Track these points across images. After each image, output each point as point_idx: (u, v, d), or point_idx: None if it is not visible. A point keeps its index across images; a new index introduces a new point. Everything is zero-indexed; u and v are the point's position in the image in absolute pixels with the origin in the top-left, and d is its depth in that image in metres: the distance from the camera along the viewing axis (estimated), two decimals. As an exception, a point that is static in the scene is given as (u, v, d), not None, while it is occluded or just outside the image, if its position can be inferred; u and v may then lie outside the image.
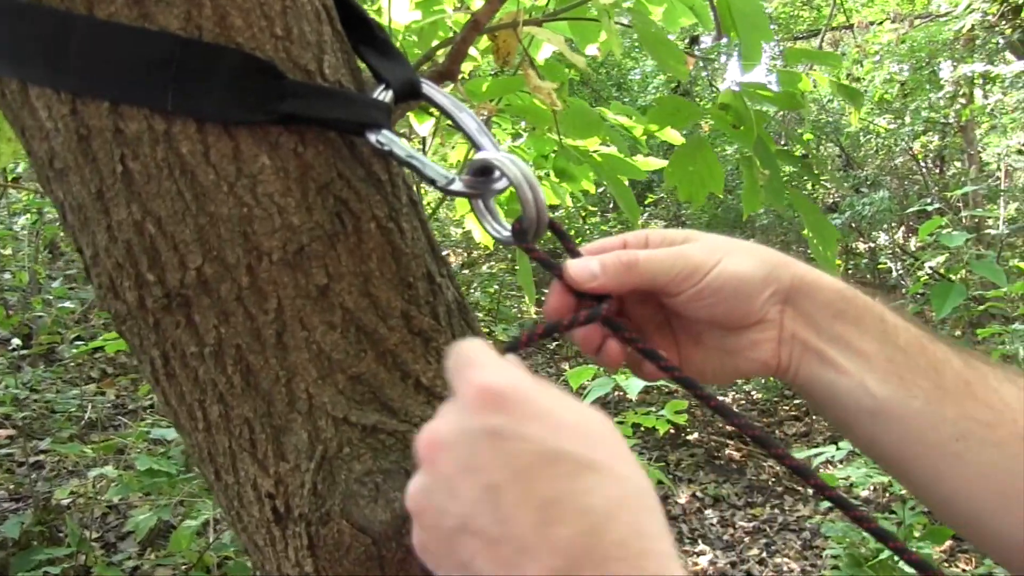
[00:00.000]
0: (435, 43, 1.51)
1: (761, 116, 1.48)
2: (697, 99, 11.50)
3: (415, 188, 0.91)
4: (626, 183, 1.88)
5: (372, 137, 0.79)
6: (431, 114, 2.05)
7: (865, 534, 3.88)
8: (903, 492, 4.15)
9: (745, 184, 1.59)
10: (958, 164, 9.82)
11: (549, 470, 0.49)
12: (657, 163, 2.09)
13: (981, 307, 5.38)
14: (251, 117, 0.75)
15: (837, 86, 1.75)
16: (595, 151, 1.86)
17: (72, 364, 5.62)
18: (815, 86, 1.87)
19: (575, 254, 0.79)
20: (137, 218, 0.76)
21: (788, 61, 1.79)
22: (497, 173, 0.80)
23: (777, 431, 7.97)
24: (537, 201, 0.76)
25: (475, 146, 0.85)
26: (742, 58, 1.70)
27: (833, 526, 4.41)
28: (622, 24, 1.41)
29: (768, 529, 6.18)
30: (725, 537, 6.07)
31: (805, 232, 1.47)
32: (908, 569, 3.26)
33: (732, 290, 0.73)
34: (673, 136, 1.93)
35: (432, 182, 0.79)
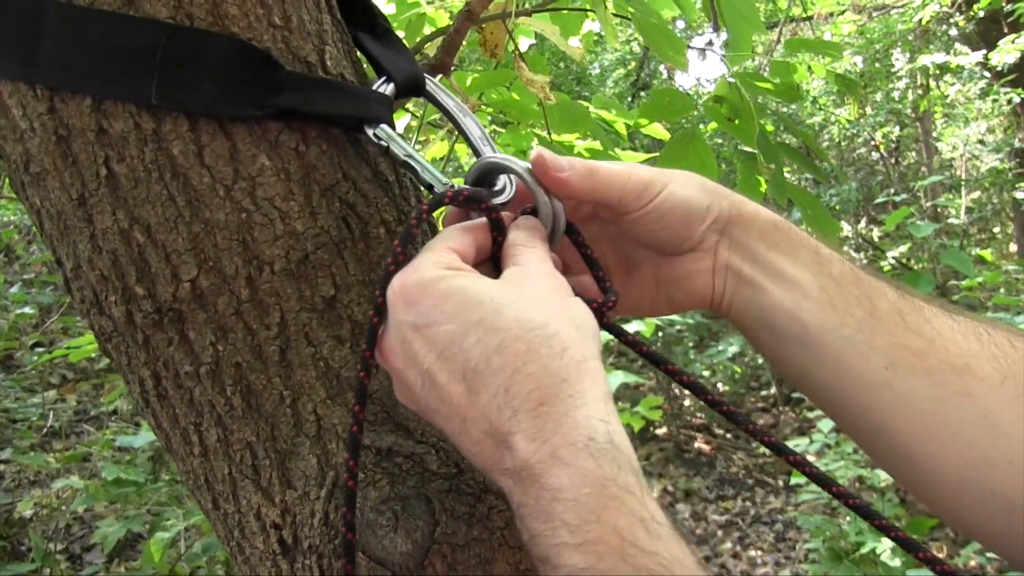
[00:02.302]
0: (427, 32, 1.45)
1: (760, 108, 1.44)
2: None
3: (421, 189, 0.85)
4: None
5: (369, 131, 0.73)
6: (407, 110, 1.98)
7: (844, 527, 3.88)
8: (880, 484, 4.16)
9: (739, 178, 1.55)
10: (912, 154, 9.94)
11: (463, 343, 0.57)
12: (640, 157, 2.05)
13: (955, 296, 5.43)
14: (245, 111, 0.69)
15: (835, 76, 1.72)
16: (579, 145, 1.81)
17: (32, 371, 5.46)
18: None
19: (596, 266, 0.74)
20: (124, 226, 0.70)
21: (787, 50, 1.75)
22: (501, 182, 0.74)
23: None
24: (554, 204, 0.70)
25: (476, 154, 0.80)
26: (730, 49, 1.65)
27: (809, 519, 4.42)
28: (618, 15, 1.35)
29: (740, 522, 6.19)
30: (698, 531, 6.06)
31: (803, 227, 1.44)
32: (891, 563, 3.26)
33: (679, 215, 0.73)
34: (659, 130, 1.89)
35: (429, 187, 0.73)
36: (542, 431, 0.54)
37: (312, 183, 0.72)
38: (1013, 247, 8.68)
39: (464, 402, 0.57)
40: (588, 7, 1.48)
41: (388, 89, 0.77)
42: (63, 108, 0.68)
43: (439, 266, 0.61)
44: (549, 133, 1.57)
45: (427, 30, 1.53)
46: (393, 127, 0.75)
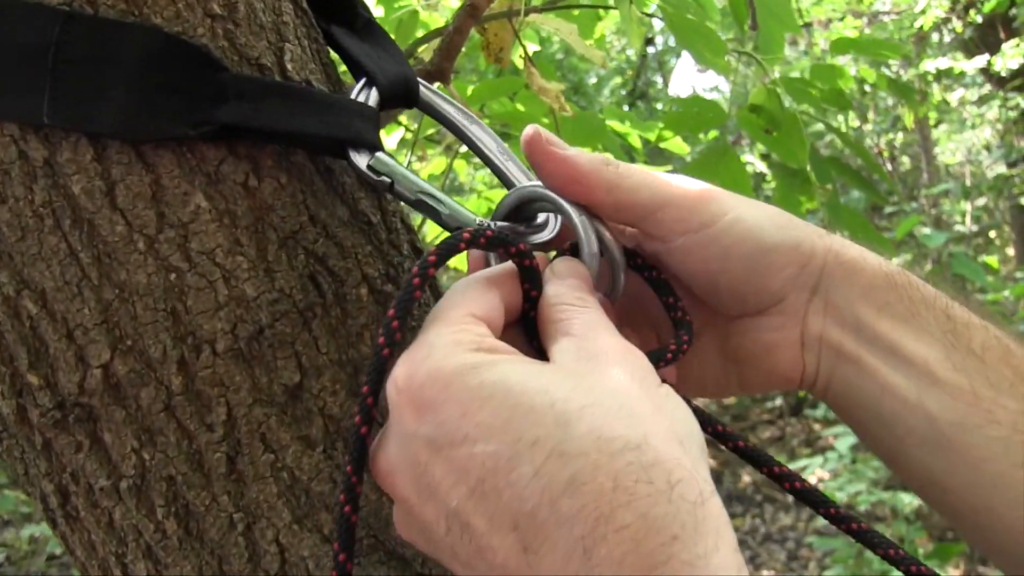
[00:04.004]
0: (421, 35, 1.26)
1: (797, 119, 1.25)
2: (653, 103, 11.38)
3: (414, 227, 0.66)
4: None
5: (361, 161, 0.54)
6: (399, 122, 1.78)
7: (867, 554, 3.70)
8: (905, 509, 3.98)
9: (776, 198, 1.36)
10: (906, 159, 9.82)
11: (512, 474, 0.39)
12: (656, 170, 1.87)
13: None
14: (172, 131, 0.51)
15: (888, 82, 1.54)
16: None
17: None
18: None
19: (675, 309, 0.56)
20: (9, 292, 0.52)
21: (834, 52, 1.56)
22: (543, 217, 0.56)
23: (751, 436, 7.84)
24: (605, 238, 0.52)
25: (499, 176, 0.61)
26: (760, 52, 1.47)
27: (828, 541, 4.24)
28: (644, 14, 1.17)
29: (751, 540, 6.05)
30: (707, 551, 5.89)
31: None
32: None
33: (748, 253, 0.54)
34: (679, 144, 1.71)
35: (458, 231, 0.54)
36: None
37: (267, 230, 0.53)
38: (1010, 251, 8.55)
39: (516, 562, 0.39)
40: (603, 4, 1.30)
41: (371, 97, 0.58)
42: (-84, 133, 0.50)
43: (463, 347, 0.43)
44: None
45: (421, 34, 1.34)
46: (384, 150, 0.56)
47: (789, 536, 6.02)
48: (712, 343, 0.59)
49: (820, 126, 1.56)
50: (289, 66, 0.56)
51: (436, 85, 1.03)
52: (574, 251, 0.54)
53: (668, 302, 0.56)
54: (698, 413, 0.51)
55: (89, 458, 0.54)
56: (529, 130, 0.54)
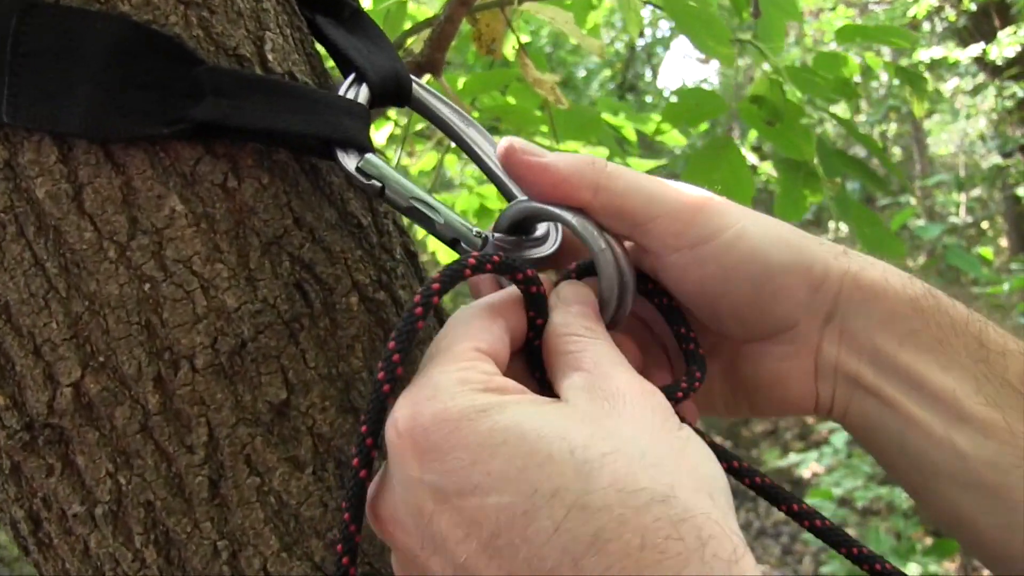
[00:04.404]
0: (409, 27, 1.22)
1: (800, 110, 1.21)
2: (642, 96, 11.33)
3: (408, 231, 0.63)
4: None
5: (350, 163, 0.50)
6: (387, 117, 1.75)
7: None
8: (903, 506, 3.96)
9: (779, 192, 1.32)
10: (897, 150, 9.80)
11: (529, 528, 0.35)
12: (649, 164, 1.84)
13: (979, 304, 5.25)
14: (146, 130, 0.47)
15: (897, 70, 1.50)
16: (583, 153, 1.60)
17: None
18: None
19: (677, 318, 0.52)
20: None
21: (840, 41, 1.52)
22: (542, 229, 0.52)
23: (743, 429, 7.82)
24: (620, 267, 0.48)
25: (496, 183, 0.57)
26: (760, 41, 1.43)
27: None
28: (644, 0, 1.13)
29: (745, 535, 6.04)
30: (703, 547, 5.89)
31: (859, 249, 1.22)
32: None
33: (754, 273, 0.49)
34: (676, 137, 1.67)
35: (453, 242, 0.50)
36: None
37: (249, 235, 0.49)
38: (1003, 242, 8.54)
39: None
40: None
41: (361, 94, 0.54)
42: None
43: (470, 387, 0.39)
44: (558, 141, 1.34)
45: (409, 26, 1.30)
46: (379, 154, 0.52)
47: (783, 531, 6.02)
48: (719, 368, 0.55)
49: (813, 117, 1.52)
50: (270, 57, 0.52)
51: (427, 77, 0.99)
52: (580, 274, 0.50)
53: (680, 332, 0.52)
54: (715, 449, 0.48)
55: (61, 482, 0.50)
56: (503, 143, 0.50)
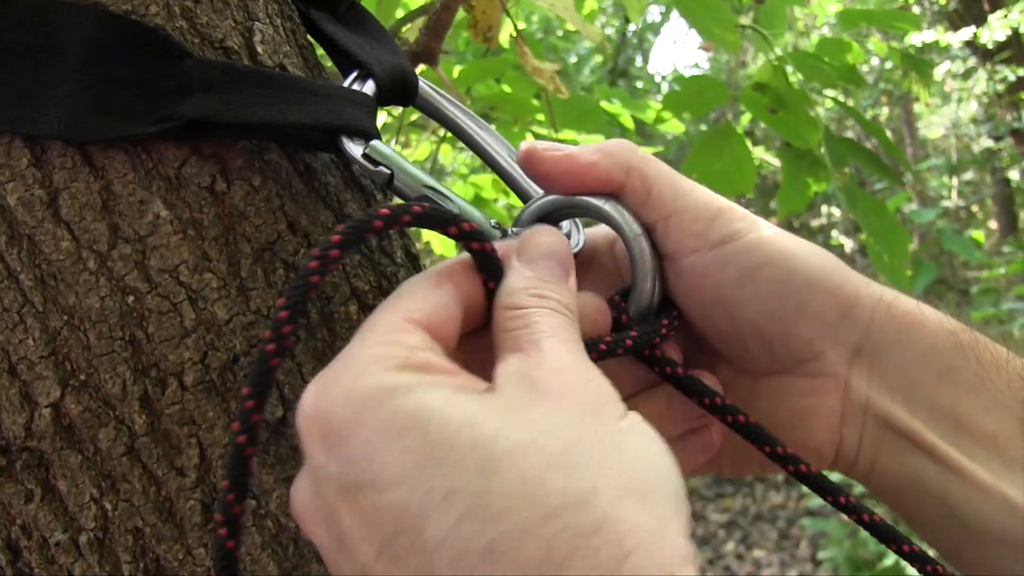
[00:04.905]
0: (401, 15, 1.18)
1: (806, 97, 1.18)
2: (633, 82, 11.30)
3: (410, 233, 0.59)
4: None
5: (355, 150, 0.46)
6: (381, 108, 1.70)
7: (864, 532, 3.67)
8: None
9: (783, 180, 1.29)
10: (888, 135, 9.82)
11: (428, 532, 0.31)
12: (648, 151, 1.81)
13: (975, 289, 5.25)
14: (132, 129, 0.44)
15: (901, 56, 1.47)
16: (580, 141, 1.57)
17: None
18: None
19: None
20: None
21: (844, 26, 1.49)
22: (565, 228, 0.49)
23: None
24: (650, 264, 0.45)
25: (512, 185, 0.54)
26: (763, 26, 1.40)
27: (821, 523, 4.21)
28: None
29: (742, 520, 6.04)
30: (699, 532, 5.88)
31: (863, 237, 1.19)
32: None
33: (771, 279, 0.46)
34: (675, 125, 1.64)
35: (467, 237, 0.47)
36: None
37: (239, 241, 0.46)
38: (992, 224, 8.55)
39: None
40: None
41: (368, 88, 0.51)
42: None
43: (384, 364, 0.34)
44: (556, 130, 1.31)
45: (400, 14, 1.26)
46: (381, 139, 0.49)
47: (780, 515, 6.01)
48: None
49: (818, 104, 1.49)
50: (260, 49, 0.48)
51: (422, 68, 0.96)
52: (624, 294, 0.47)
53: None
54: (753, 430, 0.44)
55: (42, 509, 0.47)
56: (524, 146, 0.47)
